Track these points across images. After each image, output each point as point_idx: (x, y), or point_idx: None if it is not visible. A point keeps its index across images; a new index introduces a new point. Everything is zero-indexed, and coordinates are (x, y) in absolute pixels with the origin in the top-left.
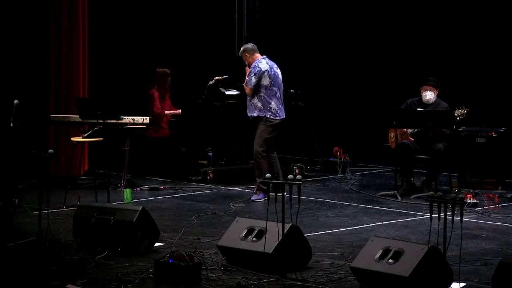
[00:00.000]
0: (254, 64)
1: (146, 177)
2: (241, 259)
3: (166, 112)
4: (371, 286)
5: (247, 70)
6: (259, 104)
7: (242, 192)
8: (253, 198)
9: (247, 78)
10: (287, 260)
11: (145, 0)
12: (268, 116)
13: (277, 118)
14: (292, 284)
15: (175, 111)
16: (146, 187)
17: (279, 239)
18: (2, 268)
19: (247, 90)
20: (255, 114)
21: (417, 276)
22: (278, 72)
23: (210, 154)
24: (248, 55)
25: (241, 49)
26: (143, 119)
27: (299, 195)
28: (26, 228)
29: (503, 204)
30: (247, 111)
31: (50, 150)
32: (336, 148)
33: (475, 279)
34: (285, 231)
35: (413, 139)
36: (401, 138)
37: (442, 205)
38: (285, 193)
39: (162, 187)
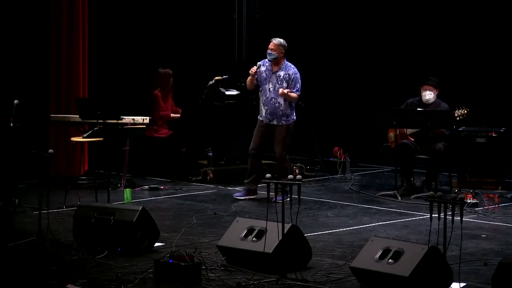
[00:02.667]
0: (293, 69)
1: (146, 177)
2: (241, 259)
3: (172, 115)
4: (371, 286)
5: (252, 71)
6: (288, 110)
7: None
8: (279, 199)
9: (292, 87)
10: (287, 260)
11: (145, 0)
12: (291, 120)
13: (294, 119)
14: (292, 284)
15: (178, 115)
16: (146, 187)
17: (279, 239)
18: (2, 268)
19: (297, 98)
20: (282, 122)
21: (417, 276)
22: None
23: (210, 154)
24: (283, 52)
25: (282, 41)
26: (143, 119)
27: (299, 195)
28: (26, 228)
29: (503, 204)
30: (270, 117)
31: (50, 150)
32: (336, 148)
33: (475, 279)
34: (285, 231)
35: (413, 139)
36: (400, 138)
37: (442, 205)
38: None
39: (162, 187)
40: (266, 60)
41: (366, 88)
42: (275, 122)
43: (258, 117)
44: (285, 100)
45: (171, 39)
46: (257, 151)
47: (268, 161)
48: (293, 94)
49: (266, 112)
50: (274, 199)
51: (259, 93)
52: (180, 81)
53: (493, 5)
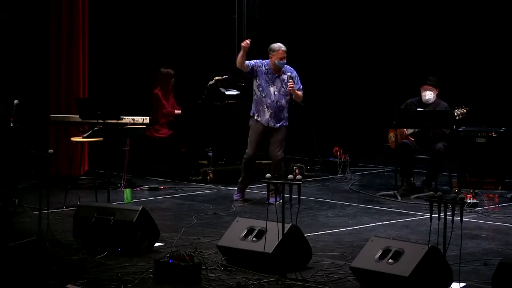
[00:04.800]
0: (294, 71)
1: (146, 177)
2: (241, 259)
3: (176, 111)
4: (371, 286)
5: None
6: (287, 113)
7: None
8: (272, 200)
9: (297, 85)
10: (287, 260)
11: (145, 0)
12: (287, 122)
13: None
14: (292, 284)
15: (180, 111)
16: (146, 187)
17: (279, 239)
18: (2, 268)
19: (302, 96)
20: (284, 124)
21: (417, 276)
22: None
23: (210, 154)
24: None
25: (285, 48)
26: (143, 119)
27: (299, 195)
28: (26, 228)
29: (503, 204)
30: (275, 122)
31: (50, 150)
32: (336, 148)
33: (475, 279)
34: (285, 231)
35: (413, 139)
36: (401, 138)
37: (442, 205)
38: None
39: (162, 187)
40: (265, 62)
41: (366, 88)
42: (277, 125)
43: (257, 118)
44: (286, 102)
45: (171, 39)
46: (254, 157)
47: (267, 161)
48: (300, 92)
49: (270, 115)
50: (272, 200)
51: (259, 94)
52: (180, 81)
53: (492, 5)
